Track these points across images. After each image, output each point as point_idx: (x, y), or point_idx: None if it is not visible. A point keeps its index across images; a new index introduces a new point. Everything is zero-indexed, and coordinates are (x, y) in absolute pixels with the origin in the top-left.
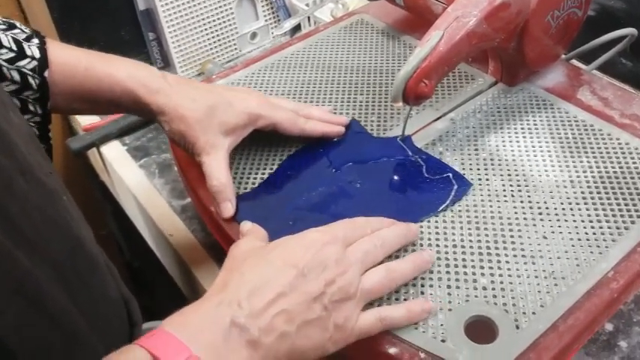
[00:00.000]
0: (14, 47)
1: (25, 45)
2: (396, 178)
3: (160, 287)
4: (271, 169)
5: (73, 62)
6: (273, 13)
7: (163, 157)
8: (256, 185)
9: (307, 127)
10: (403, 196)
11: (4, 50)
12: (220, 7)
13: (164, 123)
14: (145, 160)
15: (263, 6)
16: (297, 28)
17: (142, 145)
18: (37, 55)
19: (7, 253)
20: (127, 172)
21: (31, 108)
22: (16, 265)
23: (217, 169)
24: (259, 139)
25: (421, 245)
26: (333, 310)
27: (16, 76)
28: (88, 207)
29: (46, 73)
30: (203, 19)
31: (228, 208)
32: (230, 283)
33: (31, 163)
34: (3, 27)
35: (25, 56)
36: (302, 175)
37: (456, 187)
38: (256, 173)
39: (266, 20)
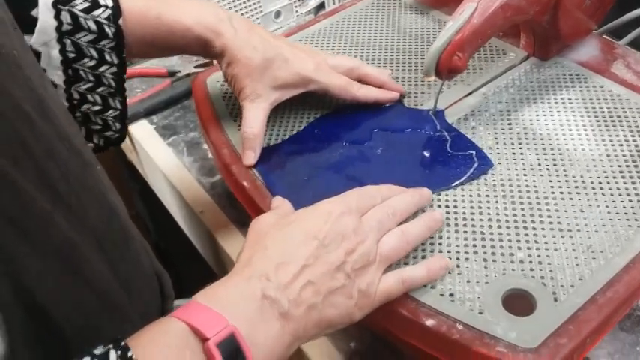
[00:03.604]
0: None
1: None
2: (418, 149)
3: (188, 267)
4: (303, 125)
5: (144, 10)
6: None
7: (191, 135)
8: (286, 138)
9: (360, 94)
10: (420, 168)
11: (79, 1)
12: None
13: (222, 64)
14: (174, 138)
15: None
16: (321, 6)
17: (169, 124)
18: (110, 3)
19: (48, 218)
20: (156, 151)
21: (108, 58)
22: (57, 230)
23: (254, 118)
24: (301, 97)
25: (455, 220)
26: (356, 277)
27: (93, 26)
28: (115, 186)
29: (120, 21)
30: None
31: (250, 157)
32: (255, 258)
33: (69, 132)
34: None
35: (99, 5)
36: (327, 135)
37: (476, 165)
38: (285, 129)
39: None
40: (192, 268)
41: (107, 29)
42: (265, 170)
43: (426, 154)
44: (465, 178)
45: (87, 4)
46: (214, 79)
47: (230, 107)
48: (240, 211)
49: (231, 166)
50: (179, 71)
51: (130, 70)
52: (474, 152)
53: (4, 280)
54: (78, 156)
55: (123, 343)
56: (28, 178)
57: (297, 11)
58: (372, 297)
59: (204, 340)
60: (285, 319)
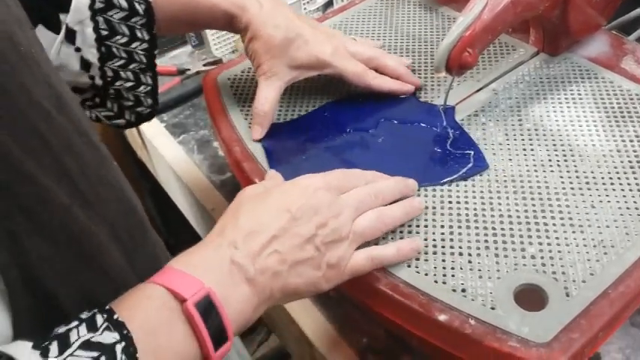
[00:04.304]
0: None
1: None
2: (418, 142)
3: None
4: (315, 107)
5: None
6: None
7: (201, 133)
8: (295, 117)
9: (374, 83)
10: (414, 160)
11: None
12: None
13: (245, 38)
14: (184, 136)
15: None
16: (329, 3)
17: (179, 122)
18: None
19: (66, 210)
20: (167, 149)
21: (139, 35)
22: (74, 222)
23: (267, 95)
24: (317, 80)
25: (467, 215)
26: (327, 251)
27: (124, 3)
28: None
29: None
30: None
31: (257, 131)
32: (227, 228)
33: (86, 127)
34: None
35: None
36: (335, 119)
37: (470, 165)
38: (298, 109)
39: None
40: None
41: (138, 6)
42: (269, 145)
43: (425, 148)
44: (455, 176)
45: None
46: (225, 77)
47: (241, 105)
48: None
49: (242, 163)
50: (189, 69)
51: None
52: (472, 152)
53: (13, 270)
54: (95, 151)
55: (108, 307)
56: (47, 171)
57: (305, 8)
58: (340, 270)
59: (182, 301)
60: (252, 284)
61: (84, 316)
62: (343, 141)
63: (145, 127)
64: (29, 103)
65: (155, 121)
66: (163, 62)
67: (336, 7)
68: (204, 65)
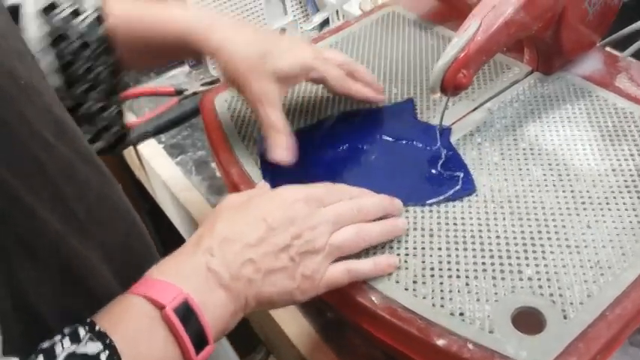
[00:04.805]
0: None
1: None
2: (409, 162)
3: None
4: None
5: (134, 14)
6: (301, 7)
7: (199, 154)
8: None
9: (353, 89)
10: (403, 180)
11: (65, 6)
12: (249, 3)
13: (220, 63)
14: (182, 157)
15: (291, 1)
16: (325, 22)
17: (177, 142)
18: (95, 7)
19: (58, 236)
20: (164, 170)
21: (101, 60)
22: (66, 247)
23: (275, 119)
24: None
25: (464, 237)
26: (301, 262)
27: (80, 31)
28: None
29: (105, 25)
30: (232, 17)
31: (281, 153)
32: (204, 235)
33: (89, 149)
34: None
35: (84, 10)
36: (329, 135)
37: (458, 187)
38: (297, 122)
39: (294, 15)
40: None
41: (94, 33)
42: (262, 157)
43: (415, 167)
44: (441, 197)
45: (72, 9)
46: (222, 99)
47: (239, 126)
48: None
49: (240, 185)
50: (186, 89)
51: (138, 89)
52: (461, 175)
53: (6, 297)
54: (98, 173)
55: (89, 320)
56: (43, 200)
57: (301, 27)
58: (315, 282)
59: (161, 307)
60: (227, 290)
61: (67, 330)
62: (336, 157)
63: (142, 147)
64: (30, 135)
65: (153, 141)
66: (161, 82)
67: (332, 26)
68: (202, 85)
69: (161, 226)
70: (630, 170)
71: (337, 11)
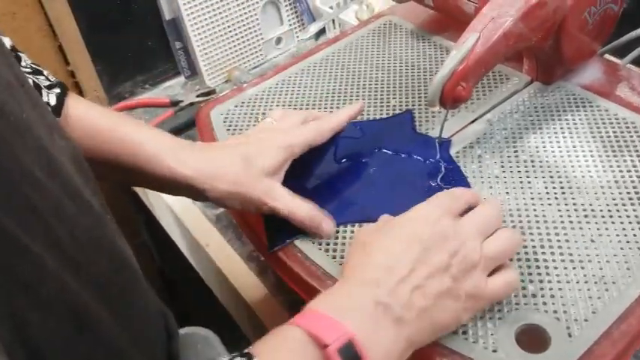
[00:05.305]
0: None
1: (45, 92)
2: (408, 175)
3: (194, 295)
4: None
5: (96, 121)
6: (297, 17)
7: None
8: None
9: (333, 122)
10: (400, 193)
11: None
12: (245, 13)
13: (203, 191)
14: None
15: (287, 10)
16: (321, 31)
17: None
18: (53, 102)
19: (56, 276)
20: None
21: None
22: (65, 288)
23: (293, 205)
24: None
25: None
26: (463, 279)
27: None
28: (121, 216)
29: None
30: (228, 27)
31: (327, 227)
32: (363, 265)
33: (77, 185)
34: (28, 70)
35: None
36: (329, 146)
37: None
38: None
39: (290, 25)
40: (199, 295)
41: None
42: None
43: (415, 181)
44: None
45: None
46: (218, 112)
47: None
48: (245, 244)
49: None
50: (182, 101)
51: (133, 101)
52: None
53: (17, 348)
54: (87, 209)
55: (246, 351)
56: (38, 240)
57: (298, 37)
58: (478, 298)
59: (324, 346)
60: (400, 325)
61: (224, 359)
62: (334, 170)
63: None
64: (21, 174)
65: None
66: (156, 94)
67: (328, 35)
68: (198, 96)
69: (159, 235)
70: (633, 182)
71: (333, 20)
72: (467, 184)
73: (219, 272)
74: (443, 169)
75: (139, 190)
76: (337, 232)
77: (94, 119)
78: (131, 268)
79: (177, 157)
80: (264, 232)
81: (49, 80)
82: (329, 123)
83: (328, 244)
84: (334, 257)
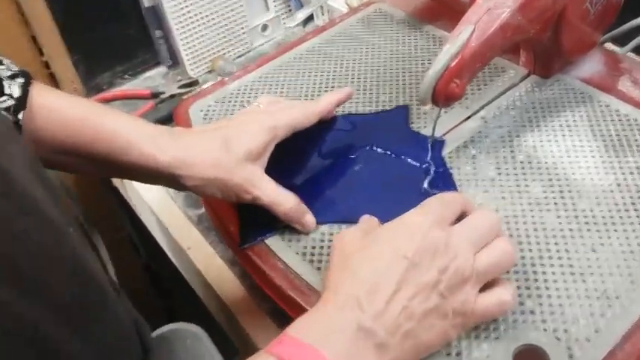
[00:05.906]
0: None
1: (6, 82)
2: (395, 176)
3: (180, 292)
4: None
5: (65, 110)
6: (284, 3)
7: None
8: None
9: (321, 105)
10: (384, 195)
11: None
12: None
13: (182, 178)
14: None
15: None
16: (309, 18)
17: None
18: (17, 93)
19: (9, 308)
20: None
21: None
22: (20, 319)
23: (277, 195)
24: None
25: None
26: (450, 296)
27: None
28: (104, 211)
29: (20, 115)
30: (211, 14)
31: (310, 220)
32: (345, 283)
33: (34, 197)
34: None
35: (2, 94)
36: (322, 141)
37: None
38: None
39: (277, 11)
40: (182, 292)
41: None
42: None
43: (400, 184)
44: None
45: None
46: (197, 108)
47: None
48: (227, 247)
49: (213, 202)
50: (163, 92)
51: (112, 92)
52: None
53: None
54: (45, 224)
55: None
56: None
57: (284, 24)
58: (467, 315)
59: None
60: (382, 350)
61: None
62: (319, 163)
63: None
64: None
65: None
66: (137, 84)
67: (317, 22)
68: (180, 87)
69: (142, 230)
70: (637, 185)
71: (322, 7)
72: (453, 189)
73: (201, 274)
74: (432, 172)
75: (118, 184)
76: (314, 230)
77: (62, 108)
78: (96, 282)
79: (155, 143)
80: (237, 227)
81: (11, 70)
82: (316, 106)
83: (299, 241)
84: (304, 254)
